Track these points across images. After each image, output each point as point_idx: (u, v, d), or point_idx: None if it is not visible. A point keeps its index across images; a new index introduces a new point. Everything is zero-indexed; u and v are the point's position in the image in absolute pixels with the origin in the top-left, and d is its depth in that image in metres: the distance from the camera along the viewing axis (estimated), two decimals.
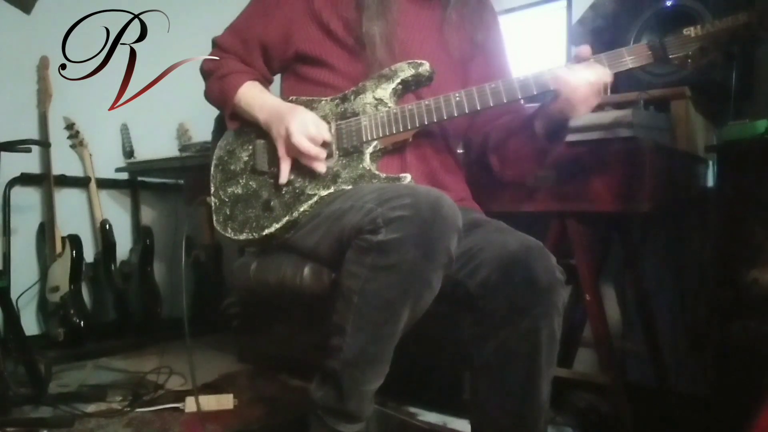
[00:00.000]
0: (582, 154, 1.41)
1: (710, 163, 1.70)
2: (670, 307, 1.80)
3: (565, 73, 1.05)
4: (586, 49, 1.07)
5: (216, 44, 1.29)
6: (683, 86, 1.51)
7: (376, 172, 1.13)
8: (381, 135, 1.14)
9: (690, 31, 1.02)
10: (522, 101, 1.15)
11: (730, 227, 1.43)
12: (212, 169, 1.27)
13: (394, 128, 1.14)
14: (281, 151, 1.15)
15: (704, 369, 1.68)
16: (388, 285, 0.94)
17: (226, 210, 1.22)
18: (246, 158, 1.23)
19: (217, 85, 1.24)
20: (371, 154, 1.15)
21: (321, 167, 1.14)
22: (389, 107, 1.15)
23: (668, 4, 1.56)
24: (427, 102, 1.12)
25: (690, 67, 1.05)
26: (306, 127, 1.13)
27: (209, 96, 1.29)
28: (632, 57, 1.05)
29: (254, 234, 1.17)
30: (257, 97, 1.21)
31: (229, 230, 1.20)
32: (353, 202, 1.02)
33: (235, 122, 1.25)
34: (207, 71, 1.29)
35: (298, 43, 1.24)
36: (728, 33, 1.00)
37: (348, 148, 1.15)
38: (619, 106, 1.45)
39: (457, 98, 1.10)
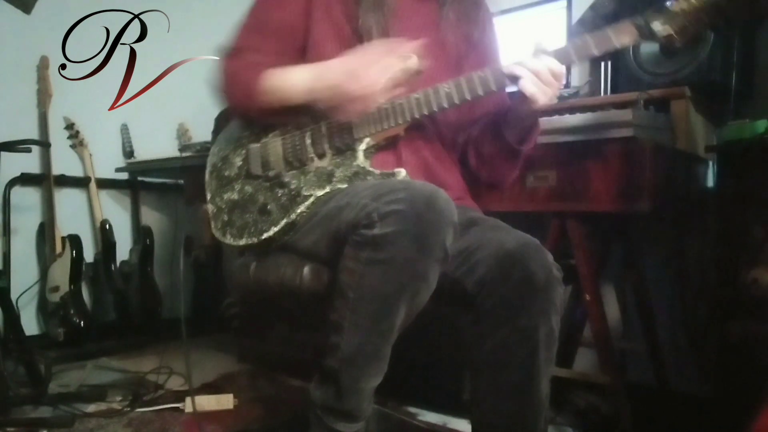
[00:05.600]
0: (582, 155, 1.41)
1: (710, 163, 1.70)
2: (670, 307, 1.80)
3: (515, 67, 1.05)
4: (542, 44, 1.07)
5: (229, 47, 1.23)
6: (683, 86, 1.51)
7: (371, 169, 1.12)
8: (372, 132, 1.14)
9: (674, 5, 1.02)
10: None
11: (730, 227, 1.43)
12: (207, 176, 1.25)
13: (384, 124, 1.13)
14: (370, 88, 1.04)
15: (704, 369, 1.68)
16: (384, 279, 0.93)
17: (223, 216, 1.21)
18: (240, 163, 1.22)
19: (239, 82, 1.17)
20: (364, 150, 1.14)
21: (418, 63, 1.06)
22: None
23: (668, 3, 1.56)
24: (417, 95, 1.11)
25: (677, 43, 1.03)
26: (372, 52, 1.07)
27: (233, 99, 1.19)
28: (617, 35, 1.03)
29: (253, 239, 1.16)
30: (286, 77, 1.14)
31: (228, 236, 1.19)
32: (349, 200, 1.02)
33: (267, 116, 1.19)
34: (227, 74, 1.19)
35: (304, 35, 1.23)
36: (713, 7, 1.00)
37: (340, 147, 1.15)
38: (619, 106, 1.45)
39: (447, 89, 1.09)
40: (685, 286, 1.78)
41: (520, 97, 1.07)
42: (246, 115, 1.23)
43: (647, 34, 1.03)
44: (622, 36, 1.04)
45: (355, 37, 1.19)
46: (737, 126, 1.40)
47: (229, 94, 1.20)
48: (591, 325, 1.56)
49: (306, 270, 1.11)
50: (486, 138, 1.23)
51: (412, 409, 1.76)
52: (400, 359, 1.02)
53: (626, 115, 1.35)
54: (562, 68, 1.04)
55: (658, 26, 1.02)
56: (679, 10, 1.02)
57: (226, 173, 1.23)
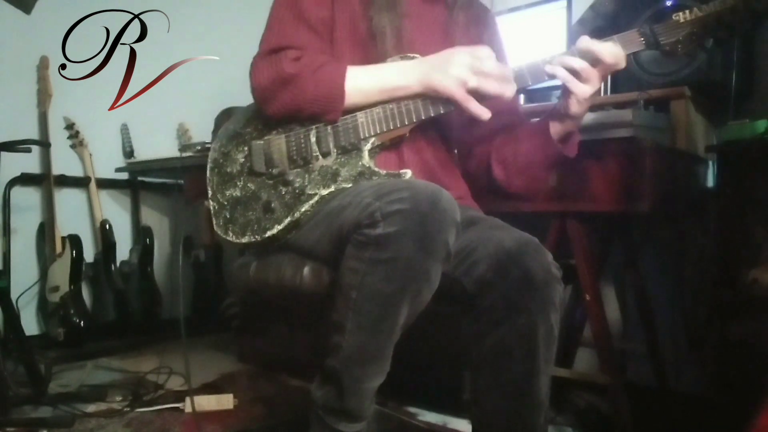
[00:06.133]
0: (582, 154, 1.41)
1: (710, 163, 1.70)
2: (670, 307, 1.80)
3: (566, 58, 1.06)
4: (585, 39, 1.07)
5: (268, 46, 1.16)
6: (683, 86, 1.51)
7: (376, 169, 1.12)
8: (378, 132, 1.14)
9: (679, 17, 1.04)
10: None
11: (730, 227, 1.43)
12: (208, 172, 1.24)
13: (391, 124, 1.13)
14: (460, 95, 1.07)
15: (704, 369, 1.68)
16: (387, 279, 0.93)
17: (225, 213, 1.21)
18: (242, 160, 1.21)
19: (312, 81, 1.11)
20: (369, 150, 1.14)
21: (512, 88, 1.09)
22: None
23: (668, 3, 1.56)
24: (423, 97, 1.11)
25: (680, 53, 1.06)
26: (474, 55, 1.08)
27: (303, 97, 1.12)
28: (624, 44, 1.06)
29: (256, 236, 1.15)
30: (371, 74, 1.13)
31: (230, 233, 1.18)
32: (351, 198, 1.02)
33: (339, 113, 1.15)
34: (289, 76, 1.11)
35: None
36: (715, 17, 1.02)
37: (346, 146, 1.15)
38: (619, 106, 1.46)
39: None
40: (685, 286, 1.79)
41: (568, 92, 1.08)
42: (293, 116, 1.16)
43: (653, 44, 1.05)
44: (628, 44, 1.06)
45: (368, 36, 1.19)
46: (737, 126, 1.40)
47: (300, 91, 1.12)
48: (591, 325, 1.56)
49: (306, 270, 1.11)
50: (521, 148, 1.21)
51: (412, 409, 1.76)
52: (400, 359, 1.02)
53: (626, 115, 1.36)
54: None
55: (664, 36, 1.04)
56: (684, 21, 1.03)
57: (228, 169, 1.22)
